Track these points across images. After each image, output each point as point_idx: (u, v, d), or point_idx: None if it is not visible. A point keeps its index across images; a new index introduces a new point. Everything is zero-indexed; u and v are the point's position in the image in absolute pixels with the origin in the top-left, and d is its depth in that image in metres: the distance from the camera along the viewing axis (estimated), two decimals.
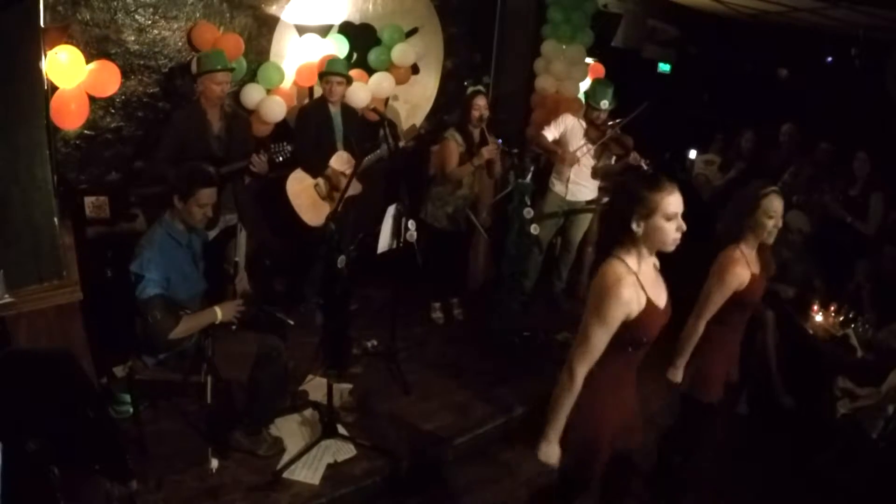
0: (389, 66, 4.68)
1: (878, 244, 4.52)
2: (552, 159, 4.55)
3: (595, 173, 4.51)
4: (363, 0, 4.65)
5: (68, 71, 3.19)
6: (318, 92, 4.24)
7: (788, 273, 4.24)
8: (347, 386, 3.67)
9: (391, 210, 3.64)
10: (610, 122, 4.33)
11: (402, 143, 4.38)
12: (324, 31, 4.29)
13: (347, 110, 4.13)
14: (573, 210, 4.58)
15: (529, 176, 4.04)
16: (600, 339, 1.94)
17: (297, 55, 4.30)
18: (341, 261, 2.97)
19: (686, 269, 2.46)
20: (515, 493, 3.21)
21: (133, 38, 3.77)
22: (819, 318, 4.03)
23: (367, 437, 3.27)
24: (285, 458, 3.07)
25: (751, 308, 2.67)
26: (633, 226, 1.92)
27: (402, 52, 4.65)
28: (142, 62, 3.83)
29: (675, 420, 2.90)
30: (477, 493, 3.22)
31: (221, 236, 3.68)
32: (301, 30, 4.24)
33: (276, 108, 4.12)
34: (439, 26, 5.12)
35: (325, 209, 4.02)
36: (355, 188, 3.69)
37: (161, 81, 3.94)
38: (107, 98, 3.64)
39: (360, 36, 4.64)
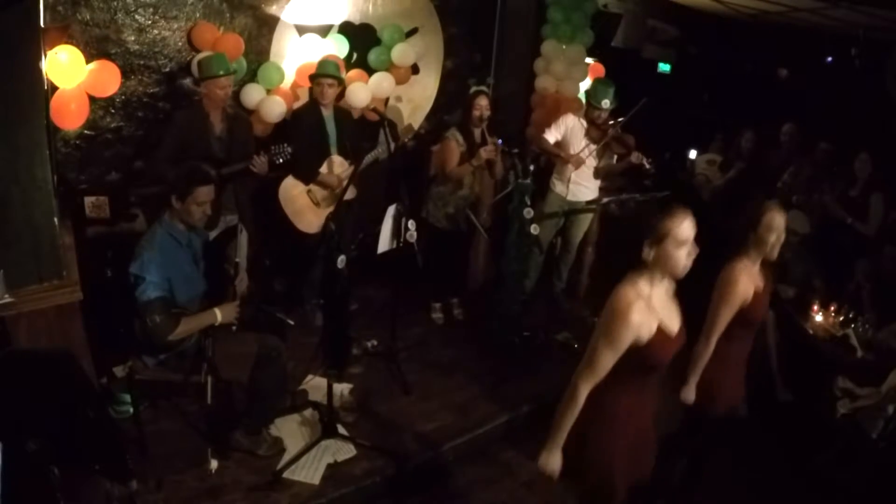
0: (389, 66, 4.67)
1: (878, 244, 4.53)
2: (555, 161, 4.54)
3: (597, 173, 4.51)
4: (363, 0, 4.64)
5: (68, 71, 3.19)
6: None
7: (788, 273, 4.24)
8: (347, 386, 3.67)
9: (391, 210, 3.64)
10: (611, 122, 4.33)
11: (407, 140, 4.35)
12: (324, 31, 4.29)
13: (340, 113, 4.05)
14: (573, 210, 4.58)
15: (529, 176, 4.04)
16: (606, 361, 1.96)
17: (297, 55, 4.30)
18: (341, 261, 2.97)
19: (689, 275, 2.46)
20: (515, 493, 3.22)
21: (133, 38, 3.76)
22: (819, 318, 4.03)
23: (367, 437, 3.27)
24: (285, 458, 3.07)
25: (755, 323, 2.64)
26: (645, 252, 1.95)
27: (402, 52, 4.65)
28: (142, 62, 3.83)
29: (681, 435, 2.86)
30: (477, 493, 3.22)
31: (222, 237, 3.68)
32: (301, 30, 4.24)
33: (276, 108, 4.11)
34: (439, 26, 5.12)
35: (320, 215, 3.96)
36: (350, 192, 3.63)
37: (161, 81, 3.93)
38: (107, 98, 3.64)
39: (360, 36, 4.64)
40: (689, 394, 2.62)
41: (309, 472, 3.01)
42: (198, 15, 3.94)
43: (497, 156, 4.08)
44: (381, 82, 4.58)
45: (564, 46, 5.31)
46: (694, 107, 7.46)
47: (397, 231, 3.68)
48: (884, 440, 3.34)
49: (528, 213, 3.96)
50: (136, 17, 3.74)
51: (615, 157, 4.48)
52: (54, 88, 3.20)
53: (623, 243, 4.93)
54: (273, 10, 4.24)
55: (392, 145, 3.85)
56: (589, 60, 5.55)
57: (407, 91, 5.04)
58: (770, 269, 2.68)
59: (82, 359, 2.63)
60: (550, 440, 2.09)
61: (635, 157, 4.22)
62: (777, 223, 2.52)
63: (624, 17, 6.42)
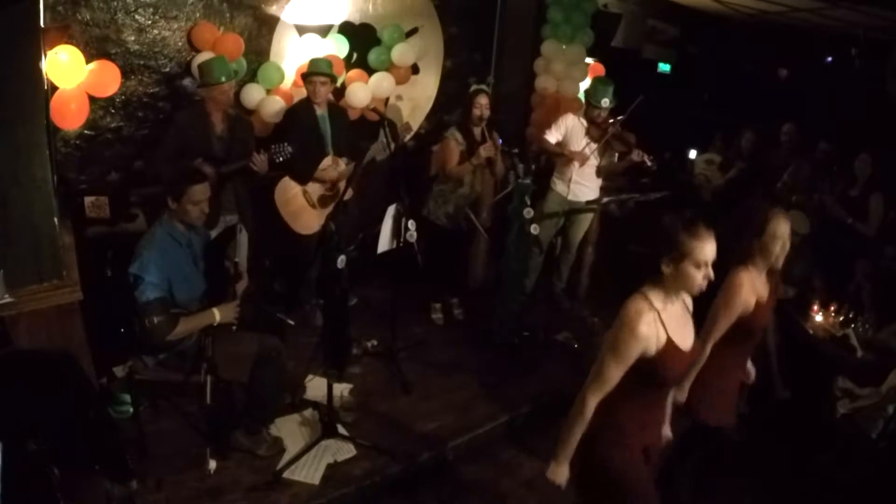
0: (389, 66, 4.67)
1: (878, 244, 4.53)
2: (557, 160, 4.54)
3: (599, 172, 4.51)
4: (363, 0, 4.65)
5: (68, 71, 3.19)
6: None
7: (788, 273, 4.24)
8: (347, 386, 3.67)
9: (391, 210, 3.64)
10: (611, 121, 4.33)
11: (406, 138, 4.31)
12: (324, 31, 4.29)
13: (335, 111, 4.02)
14: (574, 210, 4.58)
15: (529, 176, 4.04)
16: (614, 373, 1.94)
17: (297, 55, 4.29)
18: (341, 261, 2.97)
19: None
20: (515, 492, 3.22)
21: (133, 38, 3.76)
22: (819, 318, 4.03)
23: (367, 437, 3.27)
24: (285, 458, 3.07)
25: (757, 334, 2.62)
26: (663, 266, 1.93)
27: (402, 52, 4.65)
28: (142, 62, 3.83)
29: (681, 445, 2.83)
30: (477, 493, 3.22)
31: (222, 236, 3.68)
32: (301, 30, 4.24)
33: (276, 108, 4.11)
34: (439, 26, 5.12)
35: (316, 217, 3.95)
36: (347, 193, 3.62)
37: (161, 81, 3.94)
38: (107, 98, 3.64)
39: (360, 36, 4.63)
40: (682, 395, 2.61)
41: (309, 472, 3.01)
42: (198, 15, 3.94)
43: (497, 154, 4.08)
44: (381, 82, 4.58)
45: (564, 46, 5.31)
46: (694, 107, 7.46)
47: (397, 231, 3.68)
48: (884, 440, 3.33)
49: (528, 212, 3.96)
50: (136, 17, 3.74)
51: (616, 155, 4.48)
52: (54, 88, 3.20)
53: (623, 243, 4.98)
54: (273, 10, 4.24)
55: (392, 145, 3.84)
56: (589, 60, 5.56)
57: (407, 91, 5.04)
58: (775, 278, 2.67)
59: (82, 359, 2.62)
60: (558, 452, 2.07)
61: (636, 154, 4.22)
62: (781, 231, 2.50)
63: (624, 17, 6.43)
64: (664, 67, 7.53)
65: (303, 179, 3.93)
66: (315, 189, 3.97)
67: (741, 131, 5.96)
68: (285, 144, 3.57)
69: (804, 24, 5.64)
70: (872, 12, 4.38)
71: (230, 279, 3.06)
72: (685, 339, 2.05)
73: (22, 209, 2.59)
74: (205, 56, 3.77)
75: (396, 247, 3.71)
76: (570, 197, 4.52)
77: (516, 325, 4.30)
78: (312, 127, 3.89)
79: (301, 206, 3.96)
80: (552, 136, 4.41)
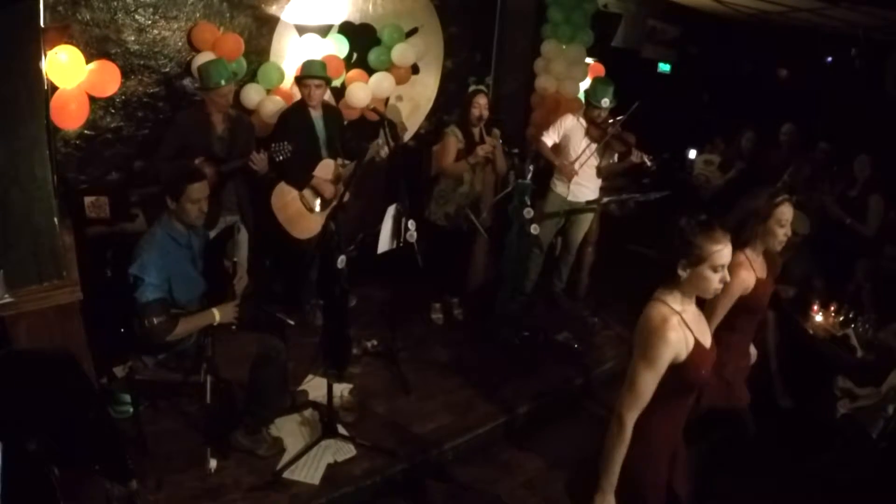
0: (389, 66, 4.67)
1: (878, 244, 4.53)
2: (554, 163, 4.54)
3: (599, 172, 4.51)
4: (363, 0, 4.64)
5: (68, 71, 3.19)
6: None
7: (788, 273, 4.24)
8: (347, 386, 3.67)
9: (391, 210, 3.64)
10: (610, 121, 4.33)
11: (407, 138, 4.29)
12: (324, 31, 4.29)
13: (329, 112, 4.00)
14: (574, 210, 4.58)
15: (529, 176, 4.04)
16: (649, 384, 1.89)
17: (297, 55, 4.29)
18: (341, 261, 2.97)
19: None
20: (515, 493, 3.21)
21: (133, 38, 3.76)
22: (819, 318, 4.03)
23: (367, 437, 3.26)
24: (285, 458, 3.07)
25: (759, 312, 2.64)
26: (679, 269, 1.92)
27: (402, 52, 4.65)
28: (142, 62, 3.83)
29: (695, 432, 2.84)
30: (477, 493, 3.21)
31: (221, 236, 3.68)
32: (301, 30, 4.24)
33: (276, 109, 4.10)
34: (439, 26, 5.12)
35: (313, 221, 3.93)
36: (346, 195, 3.59)
37: (161, 81, 3.93)
38: (107, 98, 3.64)
39: (360, 36, 4.63)
40: None
41: (309, 472, 3.01)
42: (198, 15, 3.94)
43: (496, 152, 4.08)
44: (381, 82, 4.58)
45: (564, 46, 5.31)
46: (694, 107, 7.46)
47: (397, 231, 3.67)
48: (884, 440, 3.33)
49: (528, 213, 3.96)
50: (136, 17, 3.74)
51: (616, 155, 4.49)
52: (54, 88, 3.20)
53: (623, 243, 4.97)
54: (273, 10, 4.24)
55: (392, 145, 3.83)
56: (589, 60, 5.56)
57: (407, 91, 5.04)
58: (774, 258, 2.68)
59: (82, 359, 2.63)
60: (603, 480, 1.97)
61: (636, 155, 4.22)
62: (787, 217, 2.53)
63: (624, 17, 6.43)
64: (664, 67, 7.53)
65: (298, 184, 3.90)
66: (311, 193, 3.94)
67: (741, 131, 5.96)
68: (285, 143, 3.56)
69: (804, 24, 5.64)
70: (872, 12, 4.39)
71: (229, 279, 3.06)
72: (706, 337, 2.04)
73: (22, 209, 2.59)
74: (205, 56, 3.77)
75: (396, 247, 3.71)
76: (570, 197, 4.53)
77: (516, 325, 4.30)
78: (307, 130, 3.87)
79: (298, 211, 3.93)
80: (549, 138, 4.41)
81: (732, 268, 2.46)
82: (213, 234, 3.55)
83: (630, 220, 5.42)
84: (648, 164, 4.22)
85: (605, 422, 2.02)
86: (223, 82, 3.47)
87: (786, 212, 2.53)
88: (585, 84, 5.20)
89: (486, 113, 4.05)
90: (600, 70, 5.66)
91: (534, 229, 3.99)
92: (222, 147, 3.62)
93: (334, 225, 3.04)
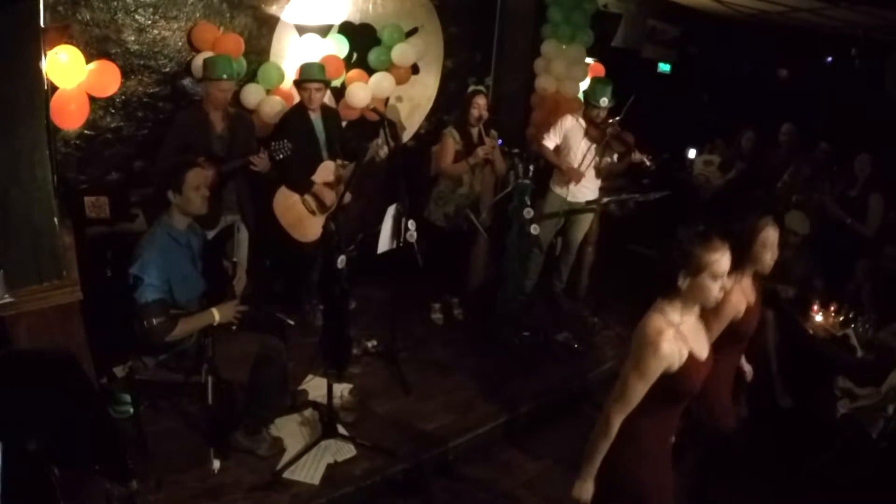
0: (389, 66, 4.67)
1: (878, 244, 4.52)
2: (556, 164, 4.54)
3: (598, 173, 4.51)
4: (363, 0, 4.64)
5: (68, 71, 3.18)
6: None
7: (788, 273, 4.24)
8: (347, 386, 3.67)
9: (391, 210, 3.64)
10: (609, 121, 4.33)
11: (407, 137, 4.28)
12: (324, 31, 4.29)
13: (328, 113, 4.00)
14: (573, 210, 4.58)
15: (529, 176, 4.04)
16: (638, 391, 1.95)
17: (297, 55, 4.29)
18: (341, 261, 2.97)
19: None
20: (515, 493, 3.22)
21: (133, 38, 3.76)
22: (819, 318, 4.03)
23: (367, 437, 3.27)
24: (285, 458, 3.07)
25: (745, 338, 2.62)
26: (679, 280, 1.93)
27: (402, 52, 4.65)
28: (142, 62, 3.83)
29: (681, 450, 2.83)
30: (477, 493, 3.22)
31: (220, 236, 3.68)
32: (301, 30, 4.24)
33: (276, 109, 4.11)
34: (439, 26, 5.12)
35: (316, 224, 3.94)
36: (346, 196, 3.59)
37: (161, 81, 3.93)
38: (107, 98, 3.64)
39: (360, 36, 4.63)
40: None
41: (309, 472, 3.01)
42: (198, 15, 3.94)
43: (495, 152, 4.08)
44: (381, 82, 4.58)
45: (564, 46, 5.31)
46: (694, 107, 7.46)
47: (397, 231, 3.68)
48: (884, 440, 3.34)
49: (528, 213, 3.97)
50: (136, 17, 3.74)
51: (615, 156, 4.49)
52: (54, 88, 3.20)
53: (623, 243, 4.96)
54: (273, 10, 4.24)
55: (392, 145, 3.83)
56: (589, 60, 5.56)
57: (407, 91, 5.04)
58: (760, 282, 2.67)
59: (82, 359, 2.62)
60: (584, 470, 2.08)
61: (635, 155, 4.22)
62: (772, 240, 2.52)
63: (624, 17, 6.43)
64: (664, 67, 7.53)
65: (300, 188, 3.90)
66: (313, 196, 3.94)
67: (742, 131, 5.96)
68: (285, 141, 3.56)
69: (804, 24, 5.64)
70: (872, 12, 4.39)
71: (229, 279, 3.05)
72: (702, 349, 2.06)
73: (22, 209, 2.59)
74: (205, 56, 3.77)
75: (396, 247, 3.71)
76: (569, 197, 4.53)
77: (516, 325, 4.30)
78: (307, 132, 3.88)
79: (301, 215, 3.94)
80: (550, 141, 4.41)
81: (724, 293, 2.45)
82: (213, 233, 3.55)
83: (630, 220, 5.42)
84: (647, 163, 4.22)
85: None
86: (225, 76, 3.48)
87: (770, 235, 2.51)
88: (585, 84, 5.21)
89: (485, 113, 4.06)
90: (600, 70, 5.66)
91: (534, 229, 3.99)
92: (222, 146, 3.62)
93: (334, 225, 3.04)
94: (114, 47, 3.71)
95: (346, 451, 3.17)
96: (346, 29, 4.55)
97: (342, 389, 3.60)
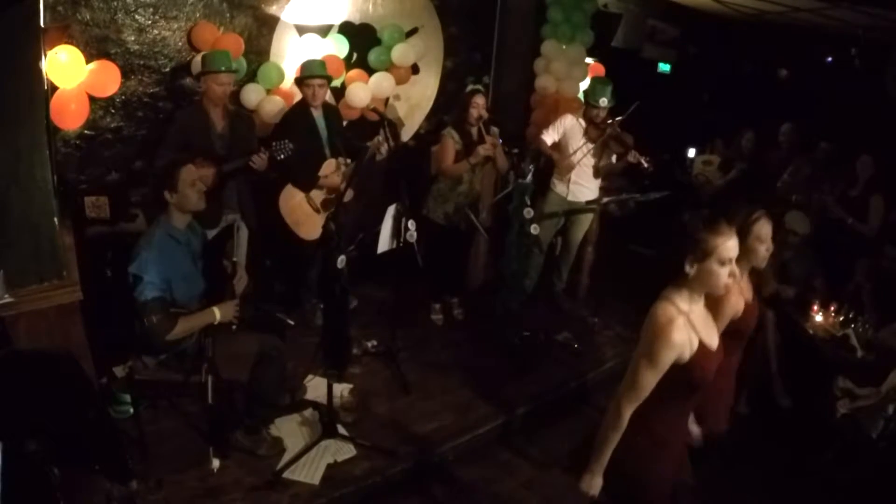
0: (389, 66, 4.67)
1: (879, 244, 4.52)
2: (556, 161, 4.54)
3: (597, 173, 4.51)
4: (363, 0, 4.65)
5: (68, 71, 3.18)
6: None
7: (788, 273, 4.24)
8: (347, 386, 3.67)
9: (391, 210, 3.64)
10: (609, 121, 4.33)
11: (407, 137, 4.27)
12: (324, 31, 4.29)
13: (329, 110, 4.01)
14: (573, 210, 4.58)
15: (529, 176, 4.04)
16: (649, 381, 1.91)
17: (297, 55, 4.29)
18: (341, 261, 2.97)
19: None
20: (515, 493, 3.22)
21: (133, 38, 3.76)
22: (819, 318, 4.03)
23: (367, 437, 3.26)
24: (285, 458, 3.07)
25: (745, 335, 2.60)
26: (686, 266, 1.91)
27: (402, 52, 4.65)
28: (142, 62, 3.83)
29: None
30: (477, 493, 3.22)
31: (220, 235, 3.68)
32: (301, 30, 4.24)
33: (276, 109, 4.11)
34: (439, 26, 5.12)
35: (318, 222, 3.93)
36: (347, 193, 3.59)
37: (161, 81, 3.93)
38: (107, 98, 3.64)
39: (360, 36, 4.63)
40: None
41: (309, 472, 3.01)
42: (198, 15, 3.94)
43: (495, 150, 4.08)
44: (381, 82, 4.58)
45: (564, 46, 5.31)
46: (694, 107, 7.46)
47: (397, 231, 3.68)
48: (884, 440, 3.34)
49: (528, 213, 3.96)
50: (136, 17, 3.74)
51: (614, 156, 4.49)
52: (54, 88, 3.20)
53: (623, 243, 4.95)
54: (273, 10, 4.24)
55: (392, 145, 3.83)
56: (589, 60, 5.56)
57: (407, 91, 5.05)
58: (755, 278, 2.67)
59: (82, 359, 2.63)
60: (594, 462, 2.03)
61: (632, 156, 4.22)
62: (766, 233, 2.48)
63: (624, 17, 6.43)
64: (664, 67, 7.53)
65: (305, 186, 3.90)
66: (318, 194, 3.96)
67: (742, 131, 5.96)
68: (286, 141, 3.56)
69: (804, 24, 5.65)
70: (872, 12, 4.39)
71: (229, 278, 3.05)
72: (713, 338, 2.03)
73: (22, 209, 2.60)
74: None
75: (396, 247, 3.71)
76: (569, 197, 4.53)
77: (516, 325, 4.30)
78: (310, 130, 3.88)
79: (306, 213, 3.94)
80: (549, 137, 4.42)
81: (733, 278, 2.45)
82: (213, 233, 3.55)
83: (630, 220, 5.42)
84: (645, 165, 4.22)
85: None
86: (223, 69, 3.48)
87: (763, 227, 2.48)
88: (585, 84, 5.21)
89: (484, 113, 4.05)
90: (600, 70, 5.66)
91: (534, 229, 3.99)
92: (223, 145, 3.62)
93: (334, 225, 3.04)
94: (114, 47, 3.71)
95: (346, 451, 3.17)
96: (346, 29, 4.55)
97: (342, 389, 3.60)
